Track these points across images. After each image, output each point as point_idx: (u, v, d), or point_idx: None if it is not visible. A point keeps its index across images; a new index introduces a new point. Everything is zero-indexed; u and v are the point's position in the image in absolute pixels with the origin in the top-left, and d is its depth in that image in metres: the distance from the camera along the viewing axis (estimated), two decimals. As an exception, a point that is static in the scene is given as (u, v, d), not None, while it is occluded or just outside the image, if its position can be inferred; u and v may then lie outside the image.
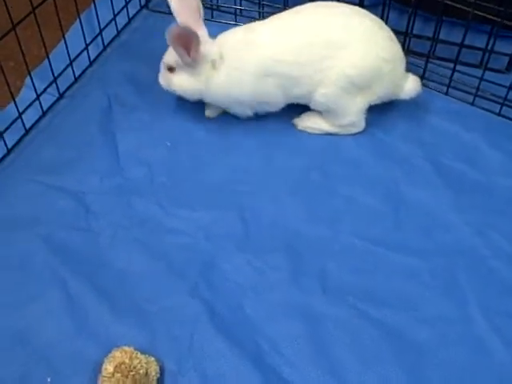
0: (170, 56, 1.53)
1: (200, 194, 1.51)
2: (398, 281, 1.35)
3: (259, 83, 1.53)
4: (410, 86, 1.60)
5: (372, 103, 1.59)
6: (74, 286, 1.33)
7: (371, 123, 1.66)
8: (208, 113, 1.68)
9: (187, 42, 1.43)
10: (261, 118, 1.66)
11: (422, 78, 1.74)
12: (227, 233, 1.44)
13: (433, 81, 1.76)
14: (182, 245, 1.41)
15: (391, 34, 1.58)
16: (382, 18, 1.75)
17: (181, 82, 1.55)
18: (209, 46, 1.50)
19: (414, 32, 1.81)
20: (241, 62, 1.51)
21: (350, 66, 1.49)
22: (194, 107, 1.70)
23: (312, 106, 1.60)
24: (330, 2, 1.59)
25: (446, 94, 1.73)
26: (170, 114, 1.69)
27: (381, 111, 1.69)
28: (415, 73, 1.66)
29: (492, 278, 1.35)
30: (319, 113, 1.61)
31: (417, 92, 1.61)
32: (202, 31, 1.50)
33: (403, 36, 1.77)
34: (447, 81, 1.72)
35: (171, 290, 1.34)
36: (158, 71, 1.77)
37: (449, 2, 1.60)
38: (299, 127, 1.64)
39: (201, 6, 1.51)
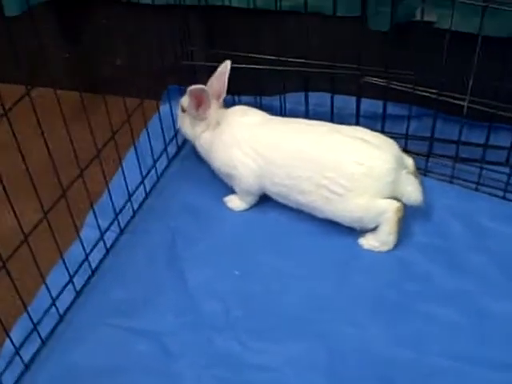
0: (187, 100, 1.75)
1: (278, 325, 1.48)
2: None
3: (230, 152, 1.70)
4: (410, 188, 1.61)
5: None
6: None
7: (432, 234, 1.67)
8: (233, 204, 1.78)
9: (201, 100, 1.70)
10: (325, 236, 1.67)
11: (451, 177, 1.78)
12: (312, 364, 1.40)
13: (487, 185, 1.76)
14: (268, 381, 1.37)
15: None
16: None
17: (183, 123, 1.81)
18: (213, 113, 1.73)
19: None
20: (225, 135, 1.72)
21: None
22: (258, 233, 1.70)
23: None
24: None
25: (504, 197, 1.74)
26: (234, 241, 1.69)
27: (439, 220, 1.70)
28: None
29: None
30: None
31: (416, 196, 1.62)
32: (218, 101, 1.76)
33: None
34: (503, 185, 1.73)
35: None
36: (212, 197, 1.80)
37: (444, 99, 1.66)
38: (365, 246, 1.65)
39: (225, 88, 1.76)
